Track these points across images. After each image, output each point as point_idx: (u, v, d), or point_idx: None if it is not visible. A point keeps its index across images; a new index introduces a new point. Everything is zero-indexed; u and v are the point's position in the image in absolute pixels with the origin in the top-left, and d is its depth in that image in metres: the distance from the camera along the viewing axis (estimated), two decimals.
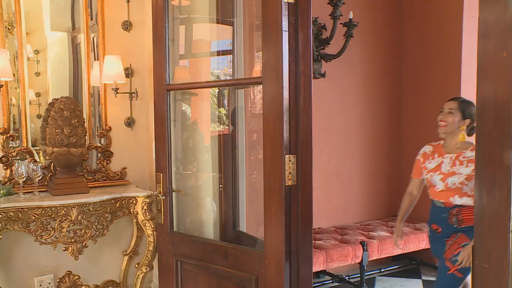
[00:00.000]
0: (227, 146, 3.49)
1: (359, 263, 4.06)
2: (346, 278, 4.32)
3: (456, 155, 2.85)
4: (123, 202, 3.21)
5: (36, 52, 3.50)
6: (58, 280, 3.37)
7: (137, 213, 3.25)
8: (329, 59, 4.34)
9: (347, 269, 4.52)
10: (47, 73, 3.64)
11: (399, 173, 5.01)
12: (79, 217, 3.01)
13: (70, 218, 2.98)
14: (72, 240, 3.04)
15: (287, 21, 2.23)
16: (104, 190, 3.33)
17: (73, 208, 2.99)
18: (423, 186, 3.08)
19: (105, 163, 3.55)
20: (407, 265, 4.75)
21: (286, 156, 2.26)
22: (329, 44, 4.29)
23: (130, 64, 3.56)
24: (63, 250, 3.08)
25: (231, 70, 3.58)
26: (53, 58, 3.73)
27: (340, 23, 4.18)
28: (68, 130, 3.03)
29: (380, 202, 5.00)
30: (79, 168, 3.36)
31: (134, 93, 3.57)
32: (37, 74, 3.50)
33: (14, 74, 3.23)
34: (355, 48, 4.60)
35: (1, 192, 3.01)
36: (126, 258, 3.68)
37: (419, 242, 4.31)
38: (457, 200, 2.81)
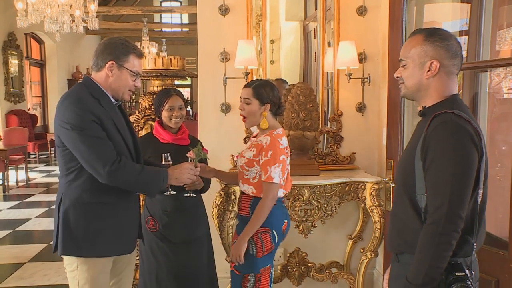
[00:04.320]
0: None
1: None
2: None
3: (255, 139, 2.59)
4: (352, 187, 3.24)
5: (272, 41, 3.75)
6: (288, 255, 3.60)
7: (365, 199, 3.24)
8: None
9: None
10: (280, 61, 3.89)
11: None
12: (310, 197, 3.16)
13: (302, 198, 3.15)
14: (303, 219, 3.20)
15: None
16: (333, 173, 3.41)
17: (305, 189, 3.14)
18: None
19: (335, 147, 3.62)
20: None
21: None
22: None
23: (364, 49, 3.54)
24: (294, 227, 3.27)
25: (464, 52, 3.29)
26: (285, 46, 3.96)
27: None
28: (304, 114, 3.18)
29: None
30: (311, 151, 3.51)
31: (366, 78, 3.54)
32: (272, 62, 3.75)
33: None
34: None
35: None
36: (350, 242, 3.73)
37: None
38: (240, 185, 2.60)
